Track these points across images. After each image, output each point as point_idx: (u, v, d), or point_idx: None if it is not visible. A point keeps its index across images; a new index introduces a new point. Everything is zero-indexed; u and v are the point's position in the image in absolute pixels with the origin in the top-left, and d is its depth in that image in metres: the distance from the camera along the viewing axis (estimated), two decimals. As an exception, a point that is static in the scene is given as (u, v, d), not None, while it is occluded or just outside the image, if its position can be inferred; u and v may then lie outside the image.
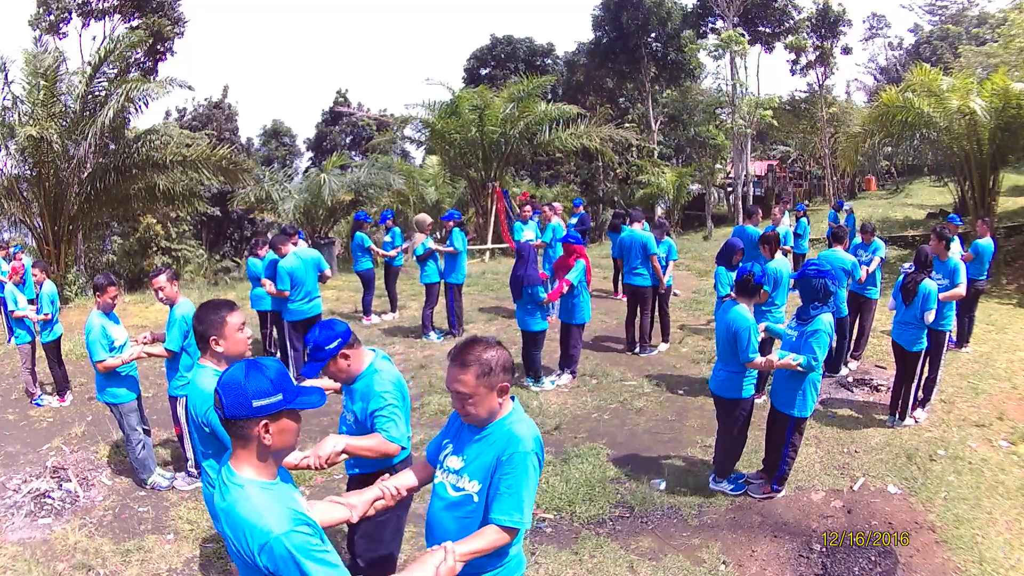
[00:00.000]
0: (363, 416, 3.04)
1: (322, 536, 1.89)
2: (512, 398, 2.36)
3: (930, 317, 5.62)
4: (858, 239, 7.92)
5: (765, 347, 5.25)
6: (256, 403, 1.82)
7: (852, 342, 7.44)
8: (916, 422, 5.95)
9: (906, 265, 5.87)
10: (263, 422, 1.84)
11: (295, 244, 7.35)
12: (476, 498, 2.27)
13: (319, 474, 5.23)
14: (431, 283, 8.84)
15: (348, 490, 3.15)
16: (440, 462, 2.43)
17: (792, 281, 5.77)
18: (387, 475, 2.58)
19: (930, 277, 5.89)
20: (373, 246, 9.74)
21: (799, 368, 4.46)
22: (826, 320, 4.53)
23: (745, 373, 4.65)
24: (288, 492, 1.94)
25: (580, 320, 7.01)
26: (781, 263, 6.46)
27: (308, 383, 3.27)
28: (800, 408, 4.59)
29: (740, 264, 6.89)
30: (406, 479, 2.53)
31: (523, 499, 2.21)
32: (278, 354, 8.01)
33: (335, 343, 2.97)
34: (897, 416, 5.92)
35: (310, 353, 3.00)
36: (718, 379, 4.80)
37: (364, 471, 3.16)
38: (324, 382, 3.34)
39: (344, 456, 2.84)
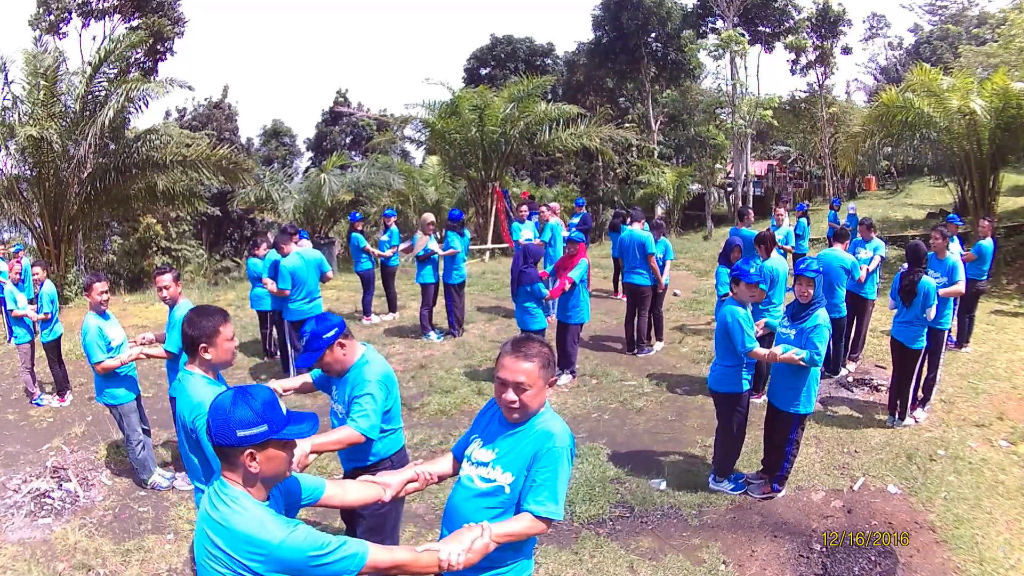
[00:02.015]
0: (348, 402, 3.08)
1: None
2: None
3: (932, 313, 5.63)
4: (857, 236, 7.92)
5: (764, 346, 5.26)
6: (240, 433, 1.81)
7: (850, 343, 7.44)
8: (916, 422, 5.95)
9: (906, 266, 5.88)
10: (248, 451, 1.83)
11: (299, 244, 7.36)
12: (508, 489, 2.28)
13: (319, 473, 5.23)
14: (427, 284, 8.83)
15: None
16: (468, 456, 2.44)
17: (790, 280, 5.79)
18: (420, 460, 2.61)
19: (927, 275, 5.90)
20: (368, 246, 9.73)
21: (802, 362, 4.47)
22: (823, 315, 4.56)
23: (740, 367, 4.67)
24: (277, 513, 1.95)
25: (578, 320, 7.01)
26: (778, 262, 6.47)
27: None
28: (804, 405, 4.62)
29: (738, 263, 6.94)
30: (438, 467, 2.58)
31: (558, 491, 2.25)
32: (278, 354, 8.01)
33: (332, 332, 3.02)
34: (897, 416, 5.92)
35: (306, 343, 3.02)
36: (714, 374, 4.84)
37: (360, 465, 3.18)
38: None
39: (313, 456, 2.86)
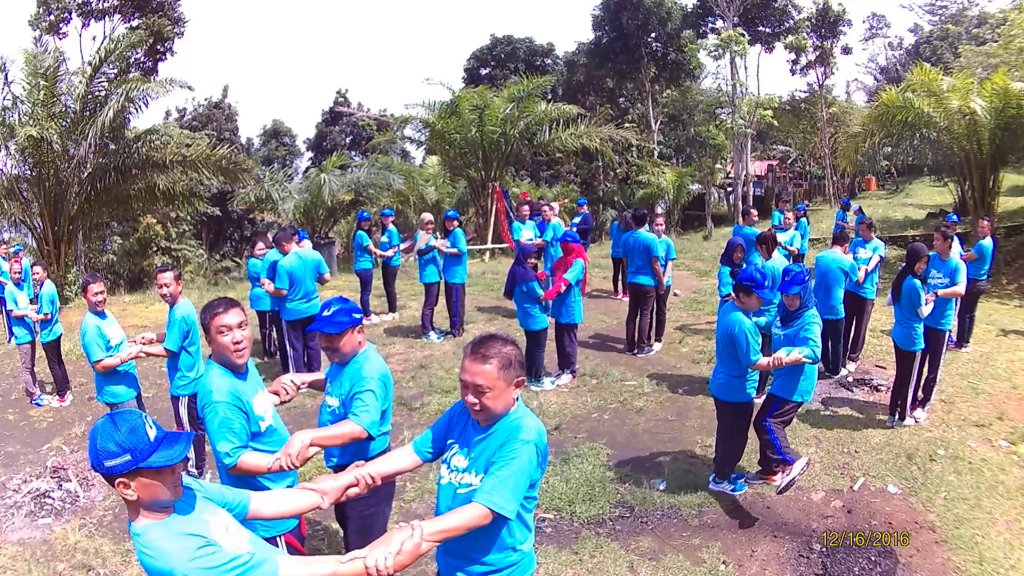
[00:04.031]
0: (347, 398, 3.07)
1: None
2: (517, 397, 2.37)
3: (924, 311, 5.65)
4: (855, 235, 7.92)
5: (763, 346, 5.26)
6: (107, 464, 1.78)
7: (850, 343, 7.44)
8: (916, 422, 5.96)
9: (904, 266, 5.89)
10: (119, 480, 1.80)
11: (299, 245, 7.36)
12: None
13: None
14: (431, 283, 8.84)
15: None
16: (447, 461, 2.43)
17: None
18: (362, 462, 2.53)
19: (928, 276, 5.90)
20: (371, 245, 9.74)
21: (806, 360, 4.49)
22: (812, 312, 4.62)
23: (745, 376, 4.64)
24: (191, 518, 1.91)
25: (570, 320, 7.01)
26: (779, 263, 6.47)
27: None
28: (800, 394, 4.66)
29: (741, 261, 6.94)
30: (381, 466, 2.47)
31: (508, 483, 2.16)
32: (278, 355, 8.01)
33: (360, 315, 3.09)
34: (897, 416, 5.92)
35: (335, 313, 3.02)
36: (718, 382, 4.79)
37: (343, 462, 3.16)
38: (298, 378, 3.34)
39: (315, 449, 2.84)
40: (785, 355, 4.48)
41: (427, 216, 9.54)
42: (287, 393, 3.17)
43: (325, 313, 3.05)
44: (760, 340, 4.69)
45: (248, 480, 2.87)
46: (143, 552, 1.83)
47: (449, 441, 2.46)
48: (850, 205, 13.96)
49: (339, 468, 3.19)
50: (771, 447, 4.71)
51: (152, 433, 1.82)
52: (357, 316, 3.08)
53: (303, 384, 3.29)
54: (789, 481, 4.45)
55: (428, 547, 2.04)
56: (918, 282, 5.69)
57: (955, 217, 9.24)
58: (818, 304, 6.68)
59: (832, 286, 6.85)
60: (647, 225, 8.26)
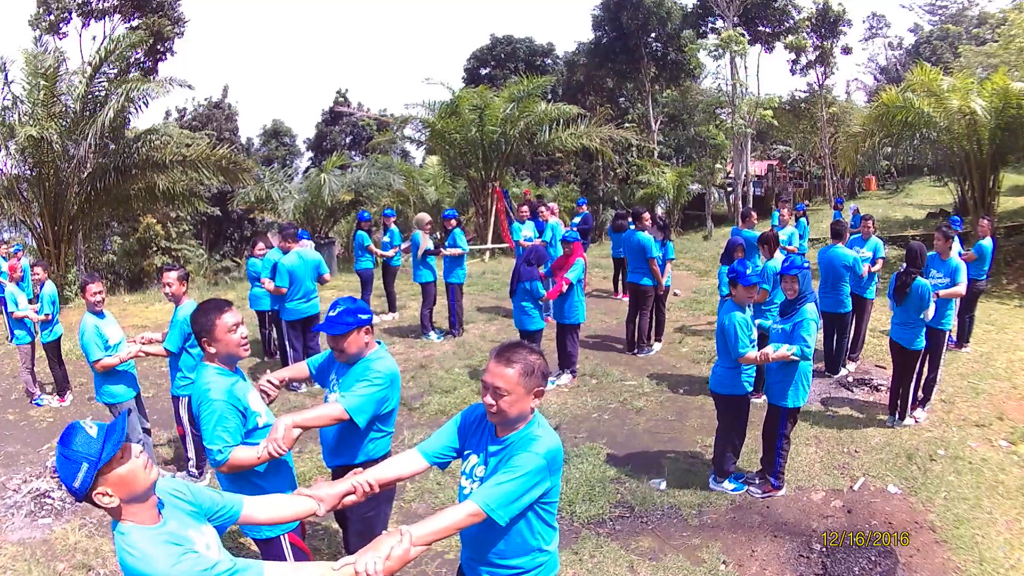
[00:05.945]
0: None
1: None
2: (534, 408, 2.35)
3: (929, 313, 5.64)
4: (853, 232, 7.91)
5: (761, 346, 5.28)
6: (75, 484, 1.77)
7: (849, 343, 7.43)
8: (916, 422, 5.96)
9: (904, 267, 5.88)
10: (96, 494, 1.79)
11: (300, 244, 7.36)
12: None
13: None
14: (427, 282, 8.83)
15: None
16: (466, 472, 2.42)
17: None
18: (360, 469, 2.49)
19: (929, 276, 5.90)
20: (371, 245, 9.74)
21: (794, 357, 4.51)
22: (810, 309, 4.63)
23: (740, 369, 4.69)
24: (175, 531, 1.91)
25: (575, 320, 7.01)
26: (780, 262, 6.46)
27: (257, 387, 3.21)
28: (793, 399, 4.66)
29: (734, 264, 6.95)
30: (381, 472, 2.42)
31: (504, 488, 2.15)
32: (278, 355, 8.01)
33: (367, 315, 3.05)
34: (897, 416, 5.92)
35: (340, 314, 3.00)
36: (715, 376, 4.86)
37: (346, 463, 3.14)
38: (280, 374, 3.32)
39: (298, 431, 2.82)
40: (773, 351, 4.55)
41: (425, 217, 9.48)
42: (268, 396, 3.17)
43: (331, 313, 3.03)
44: (755, 335, 4.74)
45: (245, 479, 2.86)
46: (125, 551, 1.82)
47: (466, 451, 2.45)
48: (843, 204, 13.96)
49: (338, 469, 3.18)
50: (770, 466, 4.84)
51: (93, 431, 1.80)
52: (364, 317, 3.05)
53: (281, 381, 3.28)
54: (764, 496, 4.78)
55: (417, 552, 2.03)
56: (927, 283, 5.70)
57: (958, 221, 9.19)
58: (826, 298, 6.75)
59: (838, 279, 6.85)
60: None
